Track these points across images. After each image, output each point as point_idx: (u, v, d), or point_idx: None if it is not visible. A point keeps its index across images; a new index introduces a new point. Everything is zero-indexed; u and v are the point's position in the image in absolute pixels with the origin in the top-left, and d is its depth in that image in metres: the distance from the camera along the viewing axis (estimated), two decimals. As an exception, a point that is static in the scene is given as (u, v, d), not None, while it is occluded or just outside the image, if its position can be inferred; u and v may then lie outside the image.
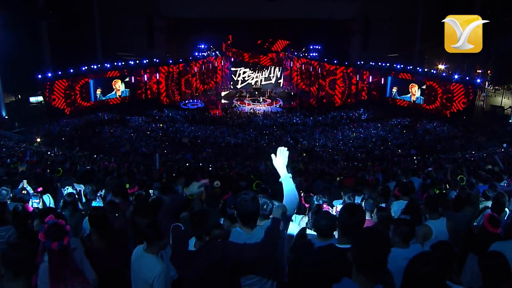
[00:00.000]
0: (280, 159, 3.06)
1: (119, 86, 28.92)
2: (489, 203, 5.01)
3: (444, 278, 2.08)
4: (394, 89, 29.96)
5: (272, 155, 3.09)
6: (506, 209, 4.75)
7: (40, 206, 4.36)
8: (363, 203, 4.55)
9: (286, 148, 3.08)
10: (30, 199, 4.47)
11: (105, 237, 3.59)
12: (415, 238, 3.27)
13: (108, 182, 5.01)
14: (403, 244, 3.12)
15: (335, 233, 2.97)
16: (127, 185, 6.24)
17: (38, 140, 21.36)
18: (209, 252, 2.56)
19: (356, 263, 2.08)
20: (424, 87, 28.20)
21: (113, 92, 28.92)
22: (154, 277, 2.87)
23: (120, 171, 10.81)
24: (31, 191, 5.67)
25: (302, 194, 5.77)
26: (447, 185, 7.80)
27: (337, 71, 31.46)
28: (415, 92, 28.85)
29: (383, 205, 4.48)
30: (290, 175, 3.09)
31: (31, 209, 4.27)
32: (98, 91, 28.16)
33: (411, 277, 2.00)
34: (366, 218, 4.28)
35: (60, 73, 25.81)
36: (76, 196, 5.07)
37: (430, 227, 3.89)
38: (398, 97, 29.79)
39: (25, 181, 6.46)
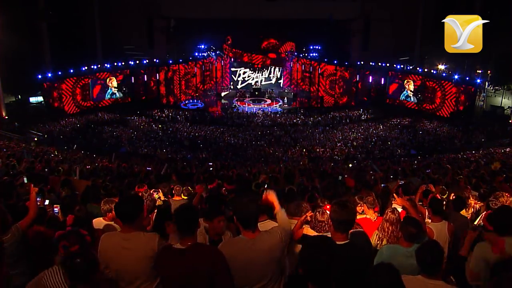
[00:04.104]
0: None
1: (114, 84, 28.76)
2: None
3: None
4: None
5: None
6: None
7: (47, 203, 4.38)
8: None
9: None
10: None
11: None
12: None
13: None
14: (405, 243, 3.13)
15: None
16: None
17: (36, 139, 21.32)
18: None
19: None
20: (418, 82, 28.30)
21: (115, 92, 28.91)
22: None
23: (119, 170, 10.79)
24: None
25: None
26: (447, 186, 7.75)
27: (337, 71, 31.46)
28: (410, 87, 28.86)
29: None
30: None
31: None
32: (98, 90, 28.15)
33: None
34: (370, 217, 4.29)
35: (60, 73, 25.80)
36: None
37: (431, 229, 3.89)
38: (399, 98, 29.77)
39: (25, 178, 6.47)
